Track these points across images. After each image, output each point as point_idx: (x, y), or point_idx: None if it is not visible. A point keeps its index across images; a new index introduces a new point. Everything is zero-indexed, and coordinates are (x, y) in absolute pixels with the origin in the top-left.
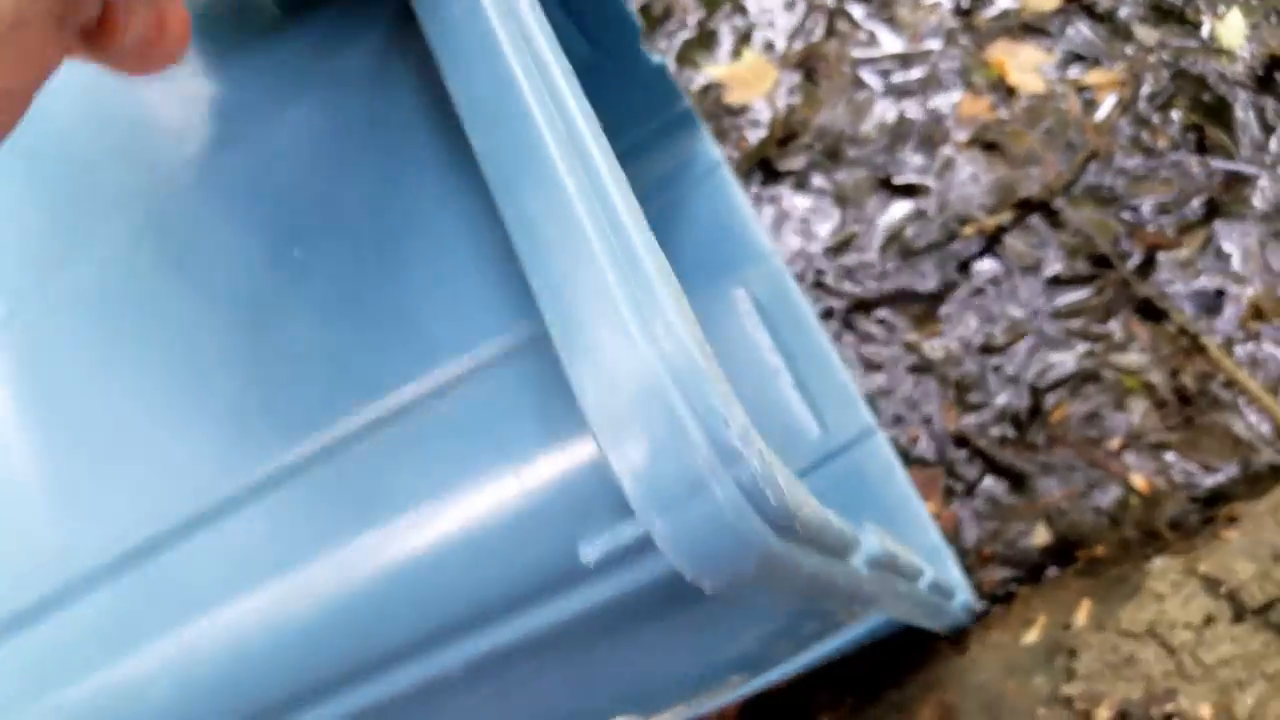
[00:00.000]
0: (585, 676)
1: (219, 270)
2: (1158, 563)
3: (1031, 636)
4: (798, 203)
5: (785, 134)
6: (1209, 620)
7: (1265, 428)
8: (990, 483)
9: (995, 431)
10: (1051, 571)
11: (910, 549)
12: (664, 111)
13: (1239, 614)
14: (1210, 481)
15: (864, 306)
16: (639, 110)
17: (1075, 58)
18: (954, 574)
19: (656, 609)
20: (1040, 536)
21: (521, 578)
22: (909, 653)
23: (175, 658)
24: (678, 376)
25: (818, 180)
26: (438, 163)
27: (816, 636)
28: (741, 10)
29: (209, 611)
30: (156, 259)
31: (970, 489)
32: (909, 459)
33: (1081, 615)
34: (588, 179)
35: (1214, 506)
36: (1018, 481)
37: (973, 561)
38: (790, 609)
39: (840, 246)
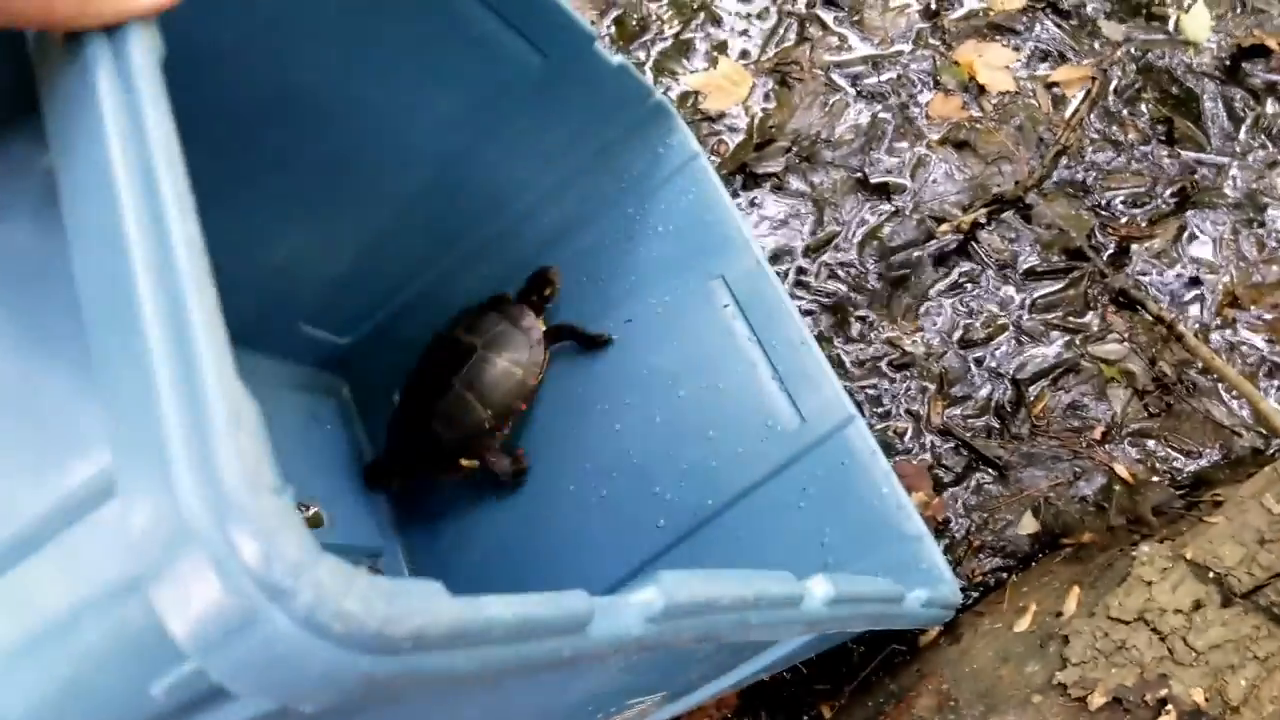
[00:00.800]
0: None
1: None
2: (1145, 549)
3: (1024, 624)
4: (777, 205)
5: (762, 139)
6: (1198, 605)
7: (1245, 412)
8: (977, 474)
9: (979, 423)
10: (1040, 559)
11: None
12: (634, 107)
13: (1227, 598)
14: (1193, 467)
15: (846, 305)
16: (607, 109)
17: (1043, 55)
18: (936, 560)
19: None
20: (1028, 525)
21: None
22: (906, 642)
23: None
24: (223, 517)
25: (795, 183)
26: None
27: (726, 664)
28: (715, 20)
29: None
30: None
31: (957, 480)
32: (895, 452)
33: (1072, 602)
34: (174, 320)
35: (1197, 491)
36: (1004, 472)
37: (962, 552)
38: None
39: (820, 246)
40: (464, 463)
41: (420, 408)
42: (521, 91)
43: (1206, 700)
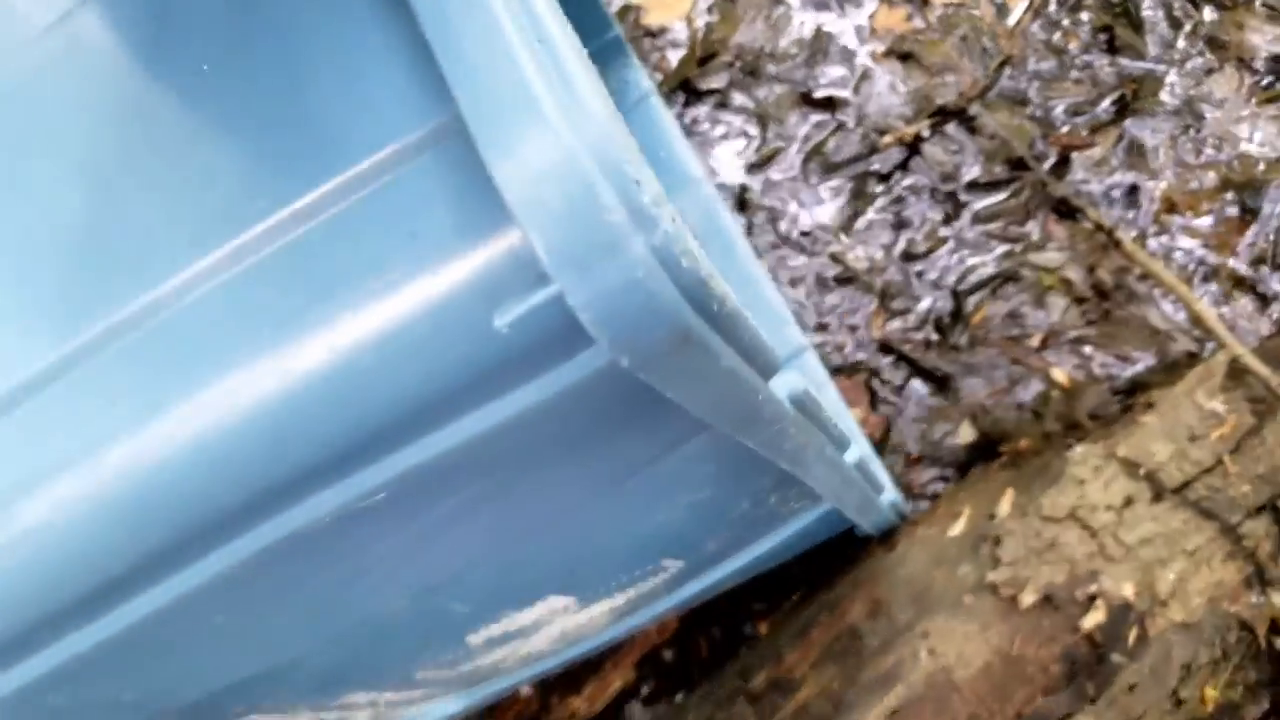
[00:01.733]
0: (511, 527)
1: (116, 91)
2: (1078, 450)
3: (958, 529)
4: (720, 121)
5: (705, 54)
6: (1129, 501)
7: (1181, 316)
8: (916, 386)
9: (919, 336)
10: (978, 468)
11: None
12: (593, 39)
13: (1158, 494)
14: (1129, 372)
15: (789, 220)
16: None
17: None
18: (882, 477)
19: (581, 427)
20: (966, 435)
21: (443, 369)
22: (841, 554)
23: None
24: (593, 150)
25: (739, 98)
26: None
27: (749, 524)
28: None
29: (141, 418)
30: (59, 78)
31: (897, 392)
32: (836, 369)
33: (1005, 505)
34: None
35: (1133, 395)
36: (943, 383)
37: (901, 465)
38: (720, 465)
39: (763, 162)
40: None
41: None
42: None
43: (1136, 595)
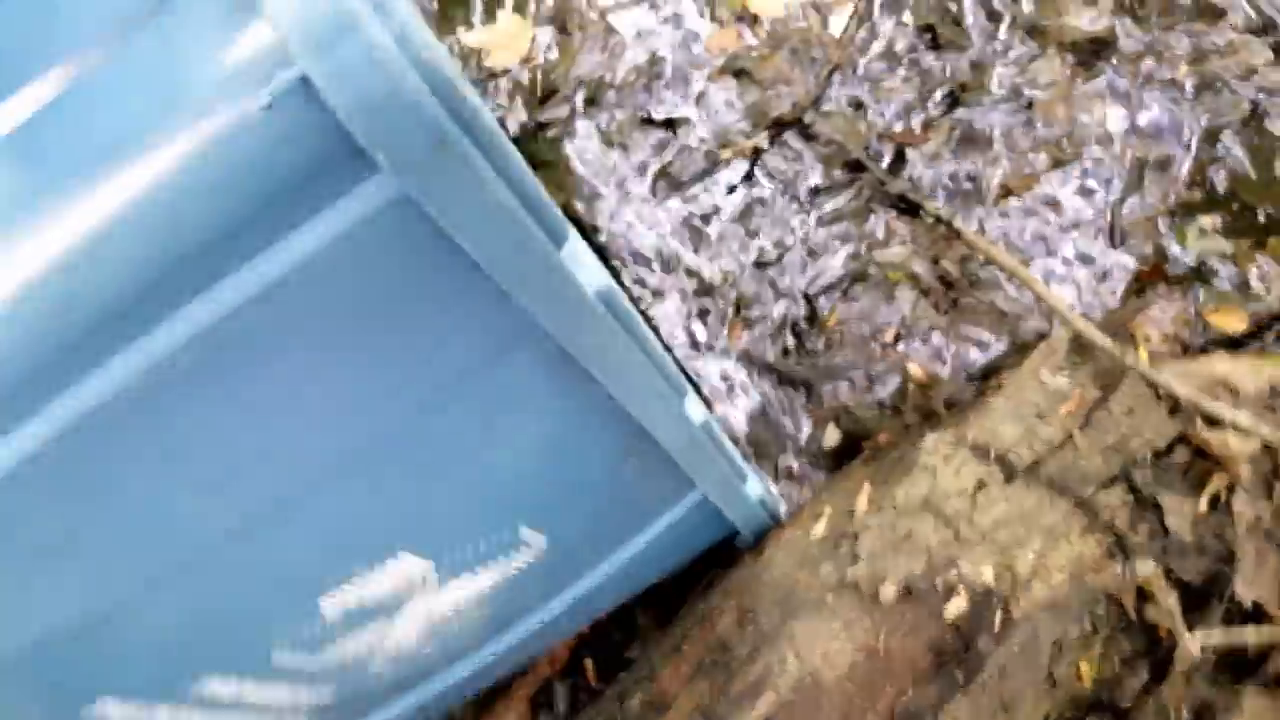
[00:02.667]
0: (333, 438)
1: None
2: (929, 438)
3: (820, 529)
4: (564, 152)
5: (545, 91)
6: (981, 485)
7: (1027, 298)
8: (780, 395)
9: (777, 344)
10: (842, 468)
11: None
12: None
13: (1009, 475)
14: (983, 358)
15: (639, 239)
16: None
17: None
18: (757, 488)
19: (377, 286)
20: (831, 437)
21: (224, 187)
22: (717, 565)
23: None
24: None
25: (581, 126)
26: None
27: (613, 507)
28: None
29: None
30: None
31: (762, 404)
32: (701, 380)
33: (863, 501)
34: None
35: (988, 380)
36: (805, 389)
37: (773, 471)
38: (551, 397)
39: (617, 185)
40: None
41: None
42: None
43: (996, 578)
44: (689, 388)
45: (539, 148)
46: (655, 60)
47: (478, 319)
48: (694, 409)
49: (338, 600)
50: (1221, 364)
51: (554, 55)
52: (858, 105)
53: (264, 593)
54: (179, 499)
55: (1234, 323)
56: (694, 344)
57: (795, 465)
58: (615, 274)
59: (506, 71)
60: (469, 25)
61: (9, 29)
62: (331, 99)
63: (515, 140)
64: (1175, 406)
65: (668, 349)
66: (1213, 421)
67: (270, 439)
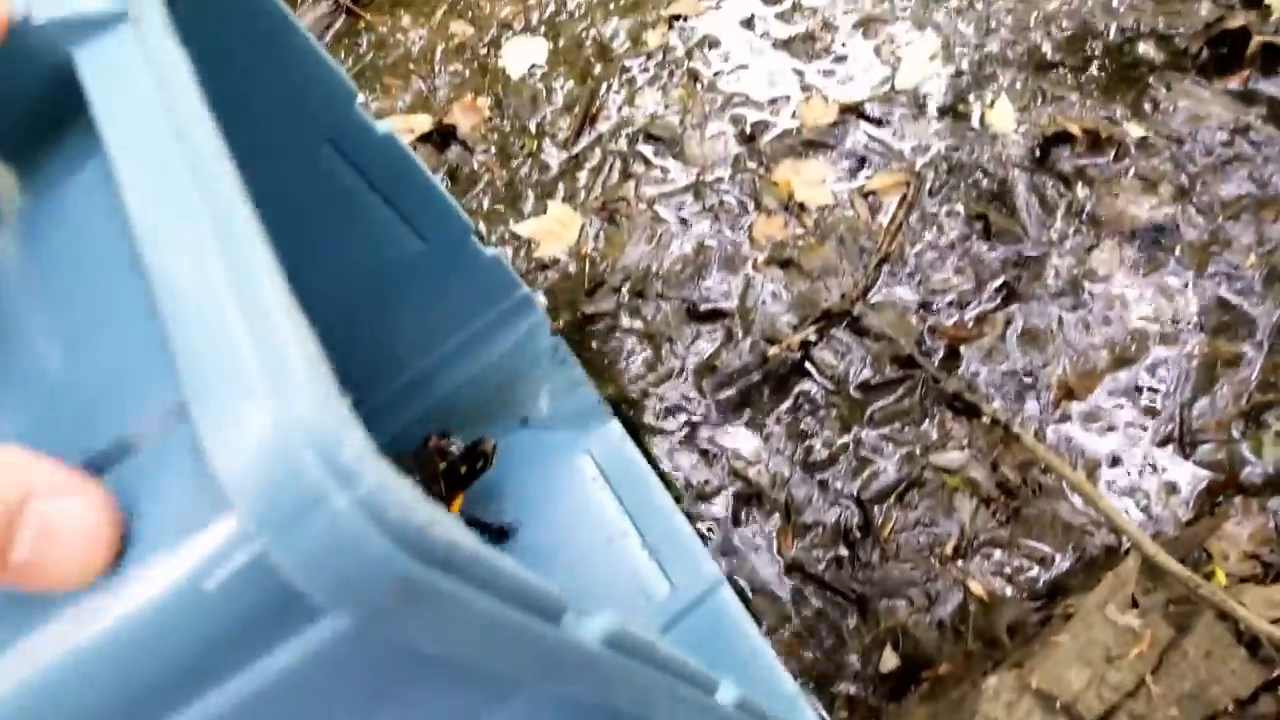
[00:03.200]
0: None
1: None
2: (992, 681)
3: None
4: (612, 345)
5: (593, 283)
6: None
7: (1093, 509)
8: (833, 610)
9: (830, 554)
10: (904, 698)
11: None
12: (504, 298)
13: None
14: (1047, 575)
15: (690, 439)
16: (480, 299)
17: (858, 165)
18: (811, 716)
19: (356, 691)
20: (889, 661)
21: (166, 651)
22: None
23: None
24: (296, 418)
25: (627, 320)
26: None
27: None
28: (543, 166)
29: None
30: None
31: (814, 620)
32: (750, 593)
33: None
34: (232, 249)
35: (1053, 601)
36: (861, 604)
37: (829, 699)
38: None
39: (659, 382)
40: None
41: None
42: (406, 268)
43: None
44: (720, 680)
45: (586, 340)
46: (702, 250)
47: (470, 684)
48: (727, 693)
49: None
50: None
51: (602, 244)
52: (908, 298)
53: None
54: None
55: None
56: (741, 554)
57: (852, 691)
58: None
59: (556, 262)
60: (520, 215)
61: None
62: (291, 575)
63: (564, 334)
64: (1257, 642)
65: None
66: None
67: None
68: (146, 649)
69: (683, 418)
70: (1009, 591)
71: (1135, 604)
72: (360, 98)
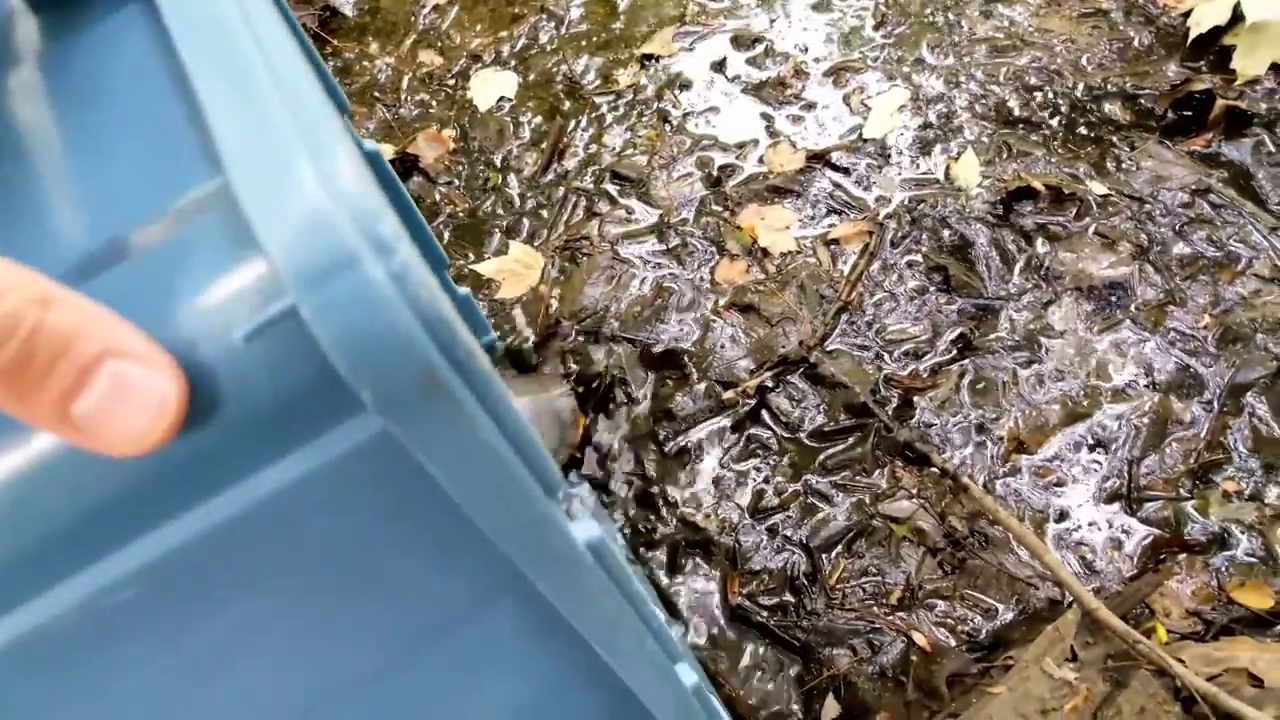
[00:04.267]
0: (306, 684)
1: None
2: None
3: None
4: (568, 397)
5: (547, 324)
6: None
7: (1039, 563)
8: (777, 657)
9: (775, 601)
10: None
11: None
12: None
13: None
14: (990, 626)
15: (641, 483)
16: None
17: (823, 213)
18: None
19: (358, 527)
20: (830, 711)
21: (204, 411)
22: None
23: None
24: (332, 187)
25: (576, 364)
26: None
27: None
28: (506, 200)
29: None
30: None
31: (758, 667)
32: (695, 639)
33: None
34: (266, 57)
35: (994, 653)
36: (804, 654)
37: None
38: (536, 653)
39: (611, 429)
40: None
41: None
42: None
43: None
44: (682, 651)
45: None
46: (661, 292)
47: (460, 565)
48: (686, 674)
49: None
50: (1245, 651)
51: (563, 283)
52: (865, 346)
53: None
54: None
55: (1259, 600)
56: (686, 600)
57: None
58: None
59: (518, 301)
60: (481, 253)
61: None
62: (320, 334)
63: (519, 366)
64: (1192, 700)
65: (670, 607)
66: None
67: (216, 685)
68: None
69: (631, 463)
70: (951, 642)
71: (1074, 657)
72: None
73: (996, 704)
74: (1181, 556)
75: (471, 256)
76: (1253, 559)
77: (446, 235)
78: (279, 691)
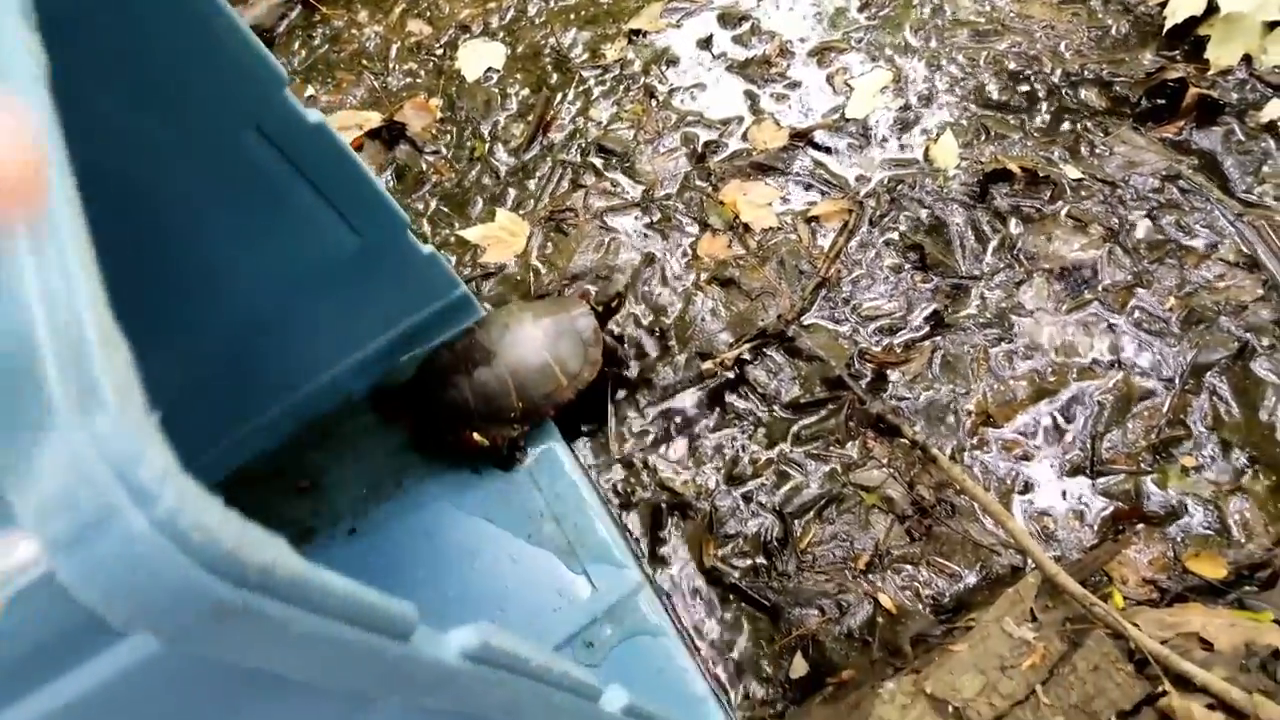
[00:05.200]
0: None
1: None
2: (889, 685)
3: None
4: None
5: (538, 292)
6: None
7: (1002, 531)
8: (748, 617)
9: (748, 563)
10: (807, 702)
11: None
12: (442, 296)
13: None
14: (955, 590)
15: (621, 447)
16: (417, 297)
17: (804, 190)
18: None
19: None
20: (799, 668)
21: None
22: None
23: None
24: (94, 434)
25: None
26: None
27: None
28: (492, 170)
29: None
30: None
31: (730, 625)
32: (670, 598)
33: None
34: (52, 257)
35: (958, 616)
36: (774, 614)
37: (740, 701)
38: None
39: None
40: (475, 437)
41: (459, 369)
42: (339, 262)
43: None
44: (603, 690)
45: None
46: (644, 264)
47: (316, 700)
48: (616, 698)
49: None
50: (1197, 617)
51: (549, 253)
52: (842, 321)
53: None
54: None
55: (1213, 569)
56: (662, 561)
57: (763, 694)
58: (601, 493)
59: (502, 268)
60: (469, 220)
61: None
62: (82, 596)
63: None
64: (1145, 662)
65: (652, 556)
66: (1183, 680)
67: None
68: None
69: (613, 426)
70: (916, 605)
71: (1033, 619)
72: (290, 85)
73: (957, 660)
74: (1140, 527)
75: (457, 224)
76: (1208, 531)
77: (433, 203)
78: None
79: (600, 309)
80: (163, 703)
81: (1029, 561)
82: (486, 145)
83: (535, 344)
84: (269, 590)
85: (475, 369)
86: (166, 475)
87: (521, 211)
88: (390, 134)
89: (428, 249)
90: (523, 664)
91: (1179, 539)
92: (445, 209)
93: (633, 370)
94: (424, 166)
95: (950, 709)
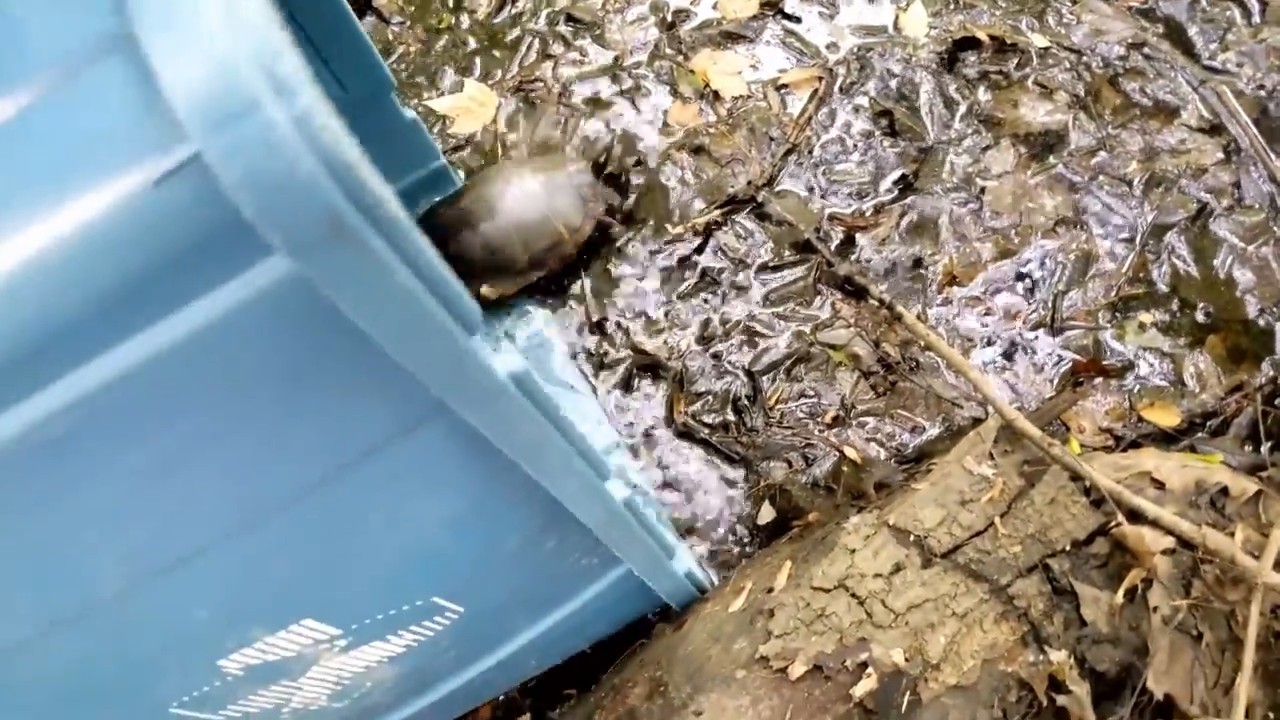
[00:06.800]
0: (232, 500)
1: None
2: (852, 519)
3: (738, 604)
4: None
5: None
6: (898, 568)
7: (965, 384)
8: (718, 469)
9: (717, 419)
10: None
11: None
12: (422, 166)
13: (927, 559)
14: (917, 441)
15: (597, 312)
16: (397, 165)
17: (774, 59)
18: (670, 540)
19: (279, 358)
20: (766, 515)
21: (118, 258)
22: (635, 639)
23: None
24: (235, 29)
25: None
26: None
27: (535, 577)
28: (459, 40)
29: None
30: None
31: (700, 477)
32: (642, 453)
33: (782, 578)
34: None
35: (919, 464)
36: (744, 467)
37: (710, 549)
38: (463, 473)
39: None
40: (485, 289)
41: (463, 225)
42: None
43: (907, 660)
44: (611, 467)
45: None
46: (613, 132)
47: (382, 397)
48: (616, 488)
49: (237, 659)
50: (1150, 459)
51: (517, 123)
52: (811, 187)
53: (160, 649)
54: (67, 551)
55: (1167, 418)
56: (635, 417)
57: (730, 540)
58: (573, 349)
59: (471, 137)
60: (438, 91)
61: None
62: (224, 179)
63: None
64: (1100, 500)
65: (614, 427)
66: (1135, 516)
67: (160, 501)
68: (103, 253)
69: (587, 291)
70: (880, 455)
71: (993, 460)
72: None
73: (919, 497)
74: (1098, 380)
75: (425, 95)
76: (1164, 382)
77: (401, 74)
78: (222, 497)
79: (592, 165)
80: (265, 360)
81: (990, 411)
82: (453, 15)
83: (536, 199)
84: (376, 221)
85: (480, 224)
86: (301, 76)
87: (490, 82)
88: (356, 5)
89: (410, 114)
90: (554, 410)
91: (1135, 390)
92: (415, 79)
93: (622, 232)
94: (390, 37)
95: (912, 538)
